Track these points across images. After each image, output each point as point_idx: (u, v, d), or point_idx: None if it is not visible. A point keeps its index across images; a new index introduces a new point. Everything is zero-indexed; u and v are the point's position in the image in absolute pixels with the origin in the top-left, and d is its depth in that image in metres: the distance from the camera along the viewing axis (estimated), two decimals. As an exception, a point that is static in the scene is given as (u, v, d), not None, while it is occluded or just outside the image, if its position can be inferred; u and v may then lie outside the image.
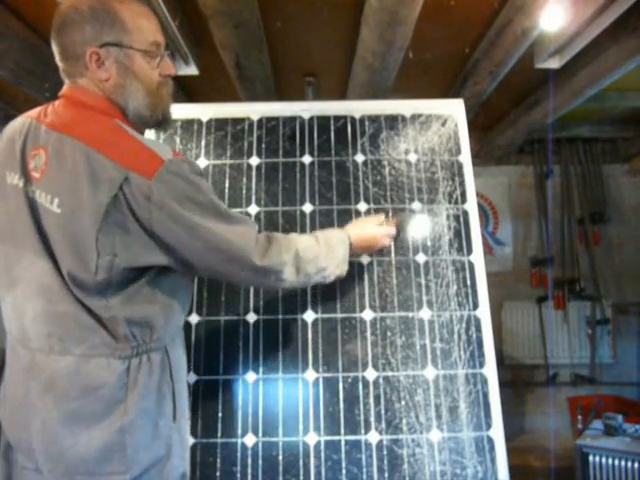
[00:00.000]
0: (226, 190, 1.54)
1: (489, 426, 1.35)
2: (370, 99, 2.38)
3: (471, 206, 1.54)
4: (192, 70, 2.28)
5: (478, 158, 3.67)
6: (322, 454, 1.31)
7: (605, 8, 1.79)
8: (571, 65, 2.29)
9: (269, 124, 1.62)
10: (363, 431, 1.33)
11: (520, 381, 3.69)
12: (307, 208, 1.52)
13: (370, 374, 1.38)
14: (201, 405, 1.35)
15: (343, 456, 1.31)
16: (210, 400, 1.36)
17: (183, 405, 1.02)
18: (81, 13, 0.93)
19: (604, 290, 3.72)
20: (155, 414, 0.93)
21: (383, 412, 1.35)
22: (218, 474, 1.30)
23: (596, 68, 2.27)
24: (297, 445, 1.32)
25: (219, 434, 1.33)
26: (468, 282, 1.47)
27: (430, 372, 1.39)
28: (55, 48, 0.97)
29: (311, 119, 1.63)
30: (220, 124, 1.61)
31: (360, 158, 1.58)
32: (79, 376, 0.89)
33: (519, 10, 1.84)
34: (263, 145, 1.59)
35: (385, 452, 1.32)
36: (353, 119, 1.63)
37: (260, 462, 1.31)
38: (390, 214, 1.49)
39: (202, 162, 1.57)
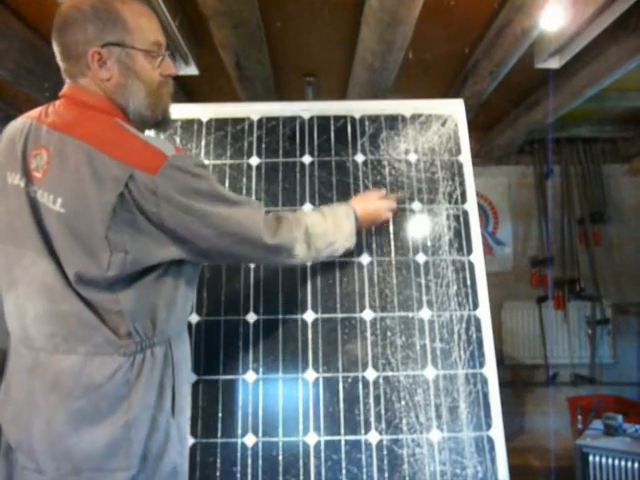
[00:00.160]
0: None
1: (489, 426, 1.35)
2: (370, 99, 2.38)
3: (471, 206, 1.54)
4: (192, 70, 2.28)
5: (478, 158, 3.67)
6: (322, 454, 1.31)
7: (605, 8, 1.79)
8: (571, 65, 2.29)
9: (269, 124, 1.62)
10: (363, 431, 1.33)
11: (520, 381, 3.69)
12: (307, 208, 1.52)
13: (370, 374, 1.38)
14: (201, 405, 1.35)
15: (343, 456, 1.31)
16: (210, 400, 1.36)
17: (183, 401, 1.03)
18: (83, 12, 0.93)
19: (604, 290, 3.72)
20: (154, 408, 0.94)
21: (383, 412, 1.35)
22: (218, 474, 1.30)
23: (596, 68, 2.27)
24: (297, 445, 1.32)
25: (219, 434, 1.33)
26: (468, 282, 1.47)
27: (430, 372, 1.39)
28: (56, 48, 0.97)
29: (311, 119, 1.63)
30: (220, 124, 1.61)
31: (360, 158, 1.58)
32: (83, 374, 0.90)
33: (519, 10, 1.84)
34: (263, 145, 1.59)
35: (385, 452, 1.32)
36: (353, 119, 1.63)
37: (260, 462, 1.31)
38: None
39: (205, 164, 1.57)
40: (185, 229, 0.93)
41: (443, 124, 1.63)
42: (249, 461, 1.31)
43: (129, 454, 0.89)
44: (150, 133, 1.53)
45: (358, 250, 1.49)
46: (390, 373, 1.38)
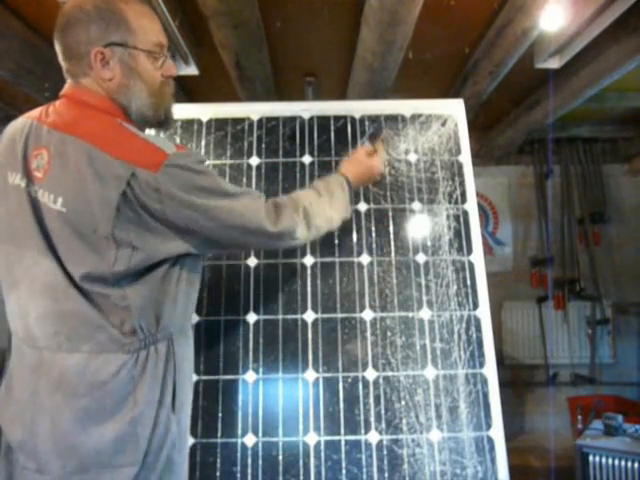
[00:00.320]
0: (226, 190, 1.54)
1: (489, 426, 1.35)
2: (370, 99, 2.38)
3: (471, 206, 1.54)
4: (192, 70, 2.28)
5: (478, 158, 3.66)
6: (322, 454, 1.31)
7: (605, 8, 1.79)
8: (571, 65, 2.29)
9: (269, 124, 1.62)
10: (363, 431, 1.33)
11: (520, 381, 3.69)
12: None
13: (370, 374, 1.38)
14: (201, 405, 1.35)
15: (343, 456, 1.31)
16: (210, 400, 1.36)
17: (184, 398, 1.03)
18: (86, 12, 0.94)
19: (604, 290, 3.71)
20: (156, 403, 0.94)
21: (383, 412, 1.35)
22: (218, 474, 1.30)
23: (596, 68, 2.27)
24: (297, 445, 1.32)
25: (219, 434, 1.33)
26: (468, 282, 1.47)
27: (430, 372, 1.39)
28: (59, 47, 0.98)
29: (311, 119, 1.63)
30: (220, 124, 1.61)
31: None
32: (88, 373, 0.90)
33: (519, 10, 1.84)
34: (263, 145, 1.59)
35: (385, 452, 1.32)
36: (353, 119, 1.63)
37: (260, 462, 1.31)
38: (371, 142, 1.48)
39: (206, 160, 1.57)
40: (189, 223, 0.94)
41: (443, 124, 1.63)
42: (249, 461, 1.31)
43: (136, 450, 0.90)
44: (151, 132, 1.53)
45: (358, 250, 1.49)
46: (390, 373, 1.38)
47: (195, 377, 1.37)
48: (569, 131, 3.65)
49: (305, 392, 1.37)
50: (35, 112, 1.00)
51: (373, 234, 1.51)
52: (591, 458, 2.08)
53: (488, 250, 3.79)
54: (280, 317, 1.43)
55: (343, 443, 1.32)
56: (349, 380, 1.38)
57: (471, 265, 1.49)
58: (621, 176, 3.87)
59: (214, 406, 1.36)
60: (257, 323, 1.43)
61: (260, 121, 1.62)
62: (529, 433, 3.65)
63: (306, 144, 1.60)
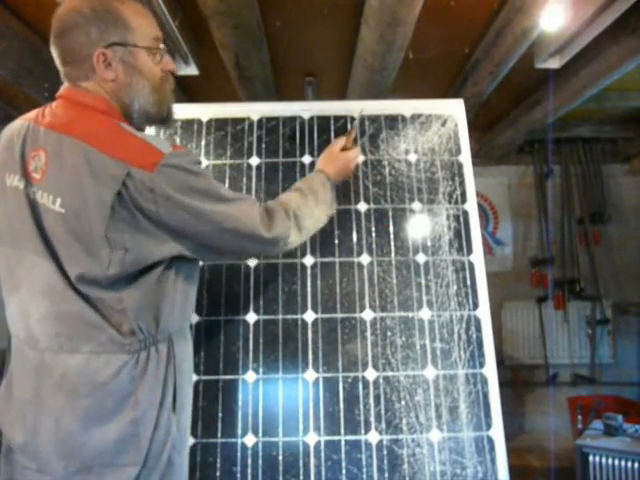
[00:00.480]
0: (226, 190, 1.54)
1: (489, 426, 1.35)
2: (370, 99, 2.38)
3: (471, 206, 1.54)
4: (192, 70, 2.28)
5: (478, 158, 3.66)
6: (322, 454, 1.31)
7: (605, 8, 1.79)
8: (571, 65, 2.29)
9: (269, 124, 1.62)
10: (363, 431, 1.33)
11: (520, 381, 3.69)
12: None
13: (370, 374, 1.38)
14: (201, 405, 1.35)
15: (343, 456, 1.31)
16: (210, 400, 1.36)
17: (185, 399, 1.03)
18: (84, 15, 0.93)
19: (604, 290, 3.71)
20: (157, 403, 0.94)
21: (383, 412, 1.35)
22: (218, 474, 1.30)
23: (596, 68, 2.27)
24: (297, 445, 1.32)
25: (219, 434, 1.33)
26: (468, 282, 1.47)
27: (430, 372, 1.39)
28: (57, 52, 0.97)
29: (311, 119, 1.63)
30: (220, 124, 1.61)
31: (360, 158, 1.58)
32: (89, 373, 0.90)
33: (519, 10, 1.84)
34: (263, 145, 1.59)
35: (385, 452, 1.32)
36: (353, 119, 1.63)
37: (260, 462, 1.31)
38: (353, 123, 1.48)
39: (202, 162, 1.57)
40: (183, 226, 0.94)
41: (443, 124, 1.63)
42: (249, 461, 1.31)
43: (138, 450, 0.90)
44: (151, 131, 1.53)
45: (358, 250, 1.49)
46: (390, 373, 1.38)
47: (195, 377, 1.37)
48: (569, 131, 3.65)
49: (305, 392, 1.37)
50: (32, 114, 0.99)
51: (373, 234, 1.51)
52: (591, 458, 2.08)
53: (488, 250, 3.79)
54: (280, 317, 1.43)
55: (343, 443, 1.33)
56: (349, 380, 1.38)
57: (471, 265, 1.49)
58: (621, 176, 3.87)
59: (214, 406, 1.36)
60: (257, 323, 1.43)
61: (260, 121, 1.62)
62: (529, 433, 3.65)
63: (306, 144, 1.60)
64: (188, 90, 2.75)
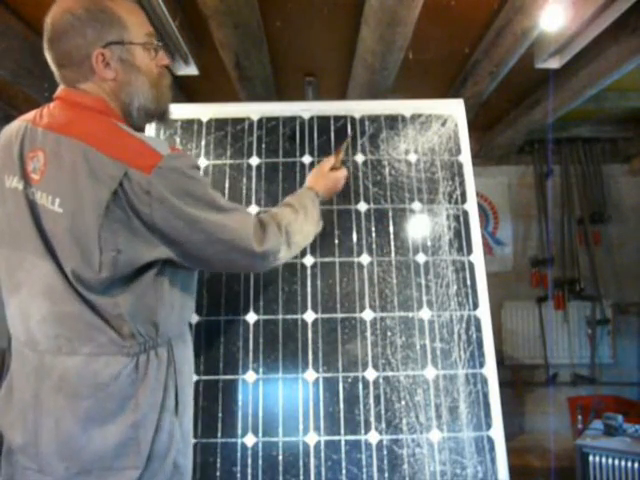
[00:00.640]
0: (226, 190, 1.54)
1: (489, 426, 1.35)
2: (370, 99, 2.38)
3: (471, 206, 1.54)
4: (192, 70, 2.28)
5: (478, 158, 3.66)
6: (322, 454, 1.31)
7: (605, 8, 1.79)
8: (571, 65, 2.29)
9: (269, 124, 1.62)
10: (363, 431, 1.33)
11: (520, 381, 3.69)
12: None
13: (370, 374, 1.38)
14: (201, 405, 1.35)
15: (343, 456, 1.31)
16: (210, 400, 1.36)
17: (186, 401, 1.03)
18: (78, 17, 0.93)
19: (604, 290, 3.71)
20: (159, 407, 0.94)
21: (383, 412, 1.35)
22: (218, 474, 1.30)
23: (596, 68, 2.27)
24: (297, 445, 1.32)
25: (219, 434, 1.33)
26: (468, 282, 1.47)
27: (430, 372, 1.39)
28: (52, 56, 0.96)
29: (311, 119, 1.63)
30: (220, 124, 1.61)
31: (360, 158, 1.58)
32: (88, 375, 0.90)
33: (519, 10, 1.84)
34: (263, 145, 1.59)
35: (385, 452, 1.32)
36: (353, 119, 1.63)
37: (260, 462, 1.31)
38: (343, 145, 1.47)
39: (202, 162, 1.57)
40: (175, 233, 0.92)
41: (443, 124, 1.63)
42: (249, 461, 1.31)
43: (138, 453, 0.90)
44: (151, 130, 1.53)
45: (358, 250, 1.49)
46: (390, 373, 1.38)
47: (195, 377, 1.37)
48: (569, 131, 3.65)
49: (305, 392, 1.37)
50: (30, 115, 0.99)
51: (373, 234, 1.51)
52: (591, 458, 2.08)
53: (488, 250, 3.79)
54: (280, 317, 1.43)
55: (343, 443, 1.32)
56: (349, 380, 1.38)
57: (471, 265, 1.49)
58: (621, 176, 3.87)
59: (214, 406, 1.36)
60: (257, 323, 1.43)
61: (260, 121, 1.62)
62: (529, 433, 3.65)
63: (306, 144, 1.60)
64: (188, 90, 2.74)
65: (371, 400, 1.36)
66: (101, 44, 0.94)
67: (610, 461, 2.04)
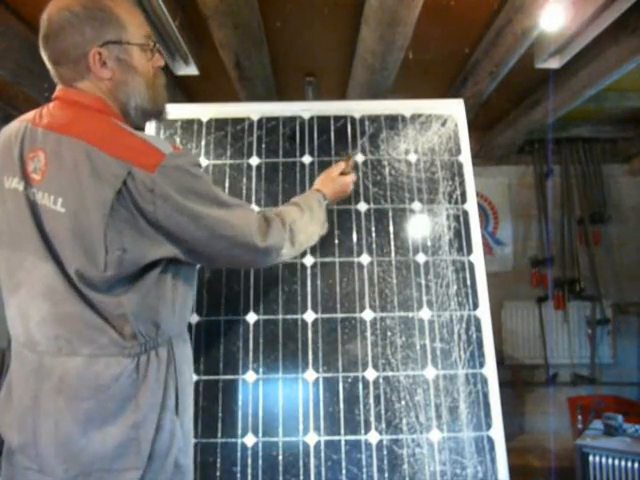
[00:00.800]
0: (226, 190, 1.54)
1: (489, 426, 1.35)
2: (370, 99, 2.38)
3: (471, 206, 1.54)
4: (192, 70, 2.28)
5: (478, 158, 3.66)
6: (322, 454, 1.31)
7: (605, 8, 1.79)
8: (571, 65, 2.29)
9: (269, 124, 1.62)
10: (363, 431, 1.33)
11: (520, 381, 3.69)
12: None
13: (370, 374, 1.38)
14: (201, 405, 1.35)
15: (343, 456, 1.31)
16: (210, 400, 1.36)
17: (186, 401, 1.03)
18: (76, 14, 0.92)
19: (604, 290, 3.72)
20: (160, 407, 0.94)
21: (383, 412, 1.35)
22: (218, 474, 1.30)
23: (596, 68, 2.27)
24: (297, 445, 1.32)
25: (219, 434, 1.33)
26: (468, 282, 1.47)
27: (430, 372, 1.39)
28: (49, 53, 0.96)
29: (311, 119, 1.63)
30: (220, 124, 1.61)
31: (360, 158, 1.58)
32: (89, 376, 0.89)
33: (519, 10, 1.84)
34: (263, 145, 1.59)
35: (385, 452, 1.32)
36: (353, 119, 1.63)
37: (260, 462, 1.31)
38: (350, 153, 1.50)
39: (202, 162, 1.57)
40: (180, 230, 0.93)
41: (443, 124, 1.63)
42: (249, 461, 1.31)
43: (139, 454, 0.90)
44: (151, 130, 1.53)
45: (358, 250, 1.49)
46: (390, 373, 1.38)
47: (195, 377, 1.37)
48: (569, 131, 3.65)
49: (305, 392, 1.37)
50: (29, 115, 0.99)
51: (373, 234, 1.51)
52: (591, 458, 2.08)
53: (488, 250, 3.79)
54: (280, 317, 1.43)
55: (343, 443, 1.32)
56: (349, 380, 1.38)
57: (471, 265, 1.49)
58: (621, 176, 3.87)
59: (214, 406, 1.36)
60: (257, 323, 1.43)
61: (260, 121, 1.62)
62: (529, 433, 3.65)
63: (306, 144, 1.60)
64: (188, 90, 2.74)
65: (371, 400, 1.36)
66: (99, 43, 0.93)
67: (610, 461, 2.04)
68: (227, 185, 1.54)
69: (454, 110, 1.64)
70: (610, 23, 1.85)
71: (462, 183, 1.57)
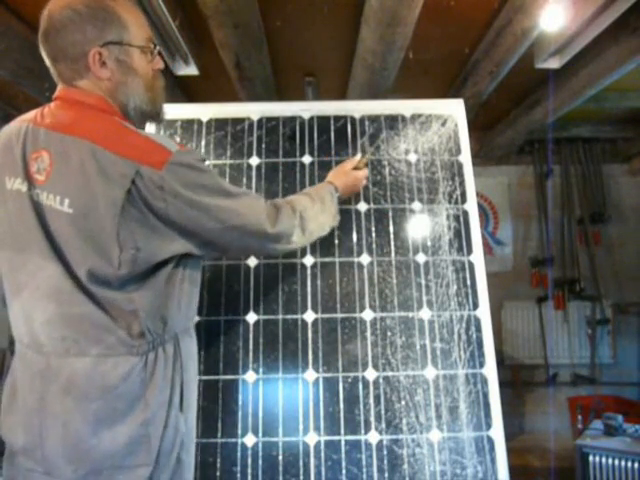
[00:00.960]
0: (226, 190, 1.54)
1: (489, 426, 1.35)
2: (370, 99, 2.38)
3: (471, 206, 1.54)
4: (192, 70, 2.28)
5: (478, 158, 3.67)
6: (322, 454, 1.31)
7: (605, 8, 1.79)
8: (571, 65, 2.29)
9: (269, 124, 1.62)
10: (363, 431, 1.33)
11: (520, 381, 3.69)
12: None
13: (370, 374, 1.38)
14: (201, 405, 1.35)
15: (343, 456, 1.31)
16: (210, 400, 1.36)
17: (191, 397, 1.03)
18: (79, 13, 0.92)
19: (604, 290, 3.72)
20: (166, 403, 0.94)
21: (383, 412, 1.35)
22: (218, 474, 1.30)
23: (596, 68, 2.27)
24: (297, 445, 1.32)
25: (219, 434, 1.33)
26: (468, 282, 1.47)
27: (430, 372, 1.39)
28: (49, 51, 0.95)
29: (311, 119, 1.63)
30: (220, 124, 1.61)
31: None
32: (97, 376, 0.89)
33: (519, 10, 1.84)
34: (263, 145, 1.59)
35: (385, 452, 1.32)
36: (353, 119, 1.63)
37: (260, 462, 1.31)
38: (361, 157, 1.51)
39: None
40: (191, 223, 0.94)
41: (443, 124, 1.63)
42: (249, 461, 1.31)
43: (149, 450, 0.90)
44: (151, 129, 1.53)
45: (358, 250, 1.49)
46: (390, 373, 1.38)
47: (195, 377, 1.37)
48: (569, 131, 3.65)
49: (305, 392, 1.37)
50: (29, 115, 0.98)
51: (373, 234, 1.51)
52: (591, 458, 2.08)
53: (488, 250, 3.80)
54: (280, 317, 1.43)
55: (343, 443, 1.32)
56: (349, 380, 1.38)
57: (471, 265, 1.49)
58: (621, 176, 3.87)
59: (214, 406, 1.36)
60: (257, 323, 1.43)
61: (260, 121, 1.62)
62: (529, 433, 3.65)
63: (306, 144, 1.60)
64: (188, 90, 2.75)
65: (371, 400, 1.36)
66: (99, 43, 0.93)
67: (610, 461, 2.04)
68: (227, 185, 1.55)
69: (454, 110, 1.64)
70: (610, 23, 1.85)
71: (462, 183, 1.57)
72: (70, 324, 0.89)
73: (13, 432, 0.94)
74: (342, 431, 1.33)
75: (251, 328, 1.42)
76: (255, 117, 1.62)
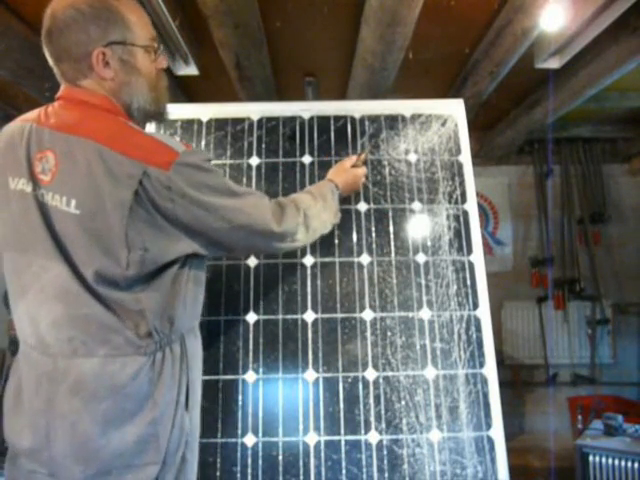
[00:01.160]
0: (226, 190, 1.54)
1: (489, 426, 1.35)
2: (370, 99, 2.38)
3: (471, 206, 1.54)
4: (192, 70, 2.28)
5: (478, 158, 3.67)
6: (322, 454, 1.31)
7: (605, 8, 1.79)
8: (571, 65, 2.29)
9: (269, 124, 1.62)
10: (363, 431, 1.33)
11: (520, 381, 3.69)
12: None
13: (370, 374, 1.38)
14: (201, 405, 1.35)
15: (343, 456, 1.31)
16: (210, 400, 1.36)
17: (196, 396, 1.03)
18: (82, 12, 0.92)
19: (604, 290, 3.72)
20: (174, 402, 0.95)
21: (383, 412, 1.35)
22: (218, 474, 1.30)
23: (596, 68, 2.27)
24: (297, 445, 1.32)
25: (219, 434, 1.33)
26: (468, 282, 1.47)
27: (430, 372, 1.39)
28: (52, 50, 0.95)
29: (311, 119, 1.63)
30: (220, 124, 1.61)
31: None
32: (105, 376, 0.89)
33: (519, 10, 1.84)
34: (263, 145, 1.59)
35: (385, 452, 1.32)
36: (353, 119, 1.63)
37: (260, 462, 1.31)
38: (362, 153, 1.51)
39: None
40: (198, 223, 0.95)
41: (443, 124, 1.63)
42: (249, 461, 1.31)
43: (157, 449, 0.90)
44: (151, 129, 1.53)
45: (358, 250, 1.49)
46: (390, 373, 1.38)
47: (195, 377, 1.37)
48: (569, 131, 3.65)
49: (305, 392, 1.37)
50: (32, 115, 0.97)
51: (373, 234, 1.51)
52: (591, 458, 2.08)
53: (488, 250, 3.80)
54: (280, 317, 1.43)
55: (343, 443, 1.33)
56: (349, 380, 1.38)
57: (471, 265, 1.49)
58: (621, 176, 3.87)
59: (214, 406, 1.36)
60: (257, 323, 1.43)
61: (260, 121, 1.62)
62: (529, 433, 3.65)
63: (306, 144, 1.60)
64: (188, 90, 2.74)
65: (371, 400, 1.36)
66: (103, 43, 0.93)
67: (610, 461, 2.04)
68: (227, 185, 1.55)
69: (454, 110, 1.64)
70: (610, 23, 1.85)
71: (462, 183, 1.57)
72: (77, 325, 0.89)
73: (18, 434, 0.93)
74: (342, 431, 1.33)
75: (251, 328, 1.42)
76: (255, 117, 1.62)
